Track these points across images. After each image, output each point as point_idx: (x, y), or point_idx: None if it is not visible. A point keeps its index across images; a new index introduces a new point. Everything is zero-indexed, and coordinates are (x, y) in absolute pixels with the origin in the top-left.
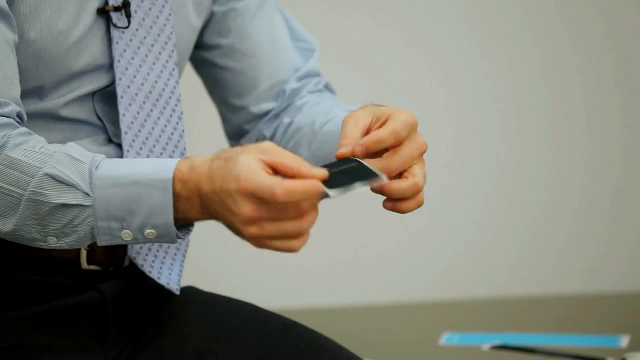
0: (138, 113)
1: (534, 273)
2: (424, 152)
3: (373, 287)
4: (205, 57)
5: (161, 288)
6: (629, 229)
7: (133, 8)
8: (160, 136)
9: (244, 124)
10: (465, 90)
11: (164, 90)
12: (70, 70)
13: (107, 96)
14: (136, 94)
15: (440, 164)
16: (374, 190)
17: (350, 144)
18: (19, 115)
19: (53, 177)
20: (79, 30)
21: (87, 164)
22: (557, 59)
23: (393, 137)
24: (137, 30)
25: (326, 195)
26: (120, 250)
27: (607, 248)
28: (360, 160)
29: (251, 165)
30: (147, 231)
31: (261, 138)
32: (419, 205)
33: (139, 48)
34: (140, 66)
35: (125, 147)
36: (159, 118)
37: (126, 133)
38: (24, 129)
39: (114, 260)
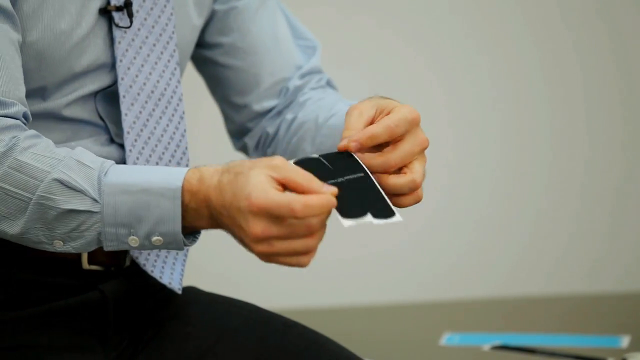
0: (140, 112)
1: (534, 273)
2: (424, 148)
3: (373, 287)
4: (206, 56)
5: (162, 288)
6: (629, 229)
7: (135, 8)
8: (162, 136)
9: (246, 121)
10: (465, 90)
11: (165, 89)
12: (72, 70)
13: (109, 96)
14: (138, 94)
15: (440, 164)
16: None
17: (348, 137)
18: (25, 116)
19: (61, 182)
20: (81, 30)
21: (96, 169)
22: (557, 59)
23: (387, 133)
24: (139, 29)
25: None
26: (121, 251)
27: (607, 248)
28: (356, 157)
29: (262, 183)
30: (154, 238)
31: (264, 135)
32: (416, 201)
33: (140, 47)
34: (142, 65)
35: (127, 146)
36: (160, 117)
37: (128, 133)
38: (32, 132)
39: (115, 260)
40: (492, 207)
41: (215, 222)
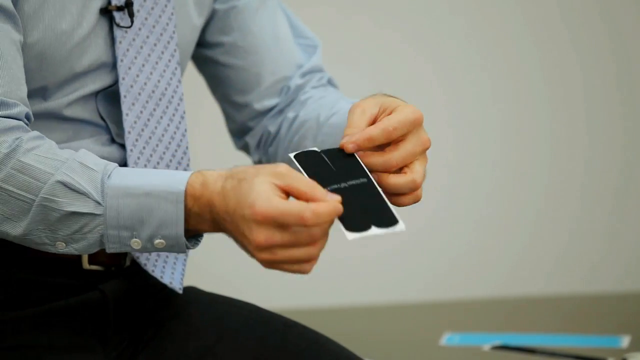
0: (141, 112)
1: (534, 273)
2: (426, 149)
3: (373, 287)
4: (207, 55)
5: (162, 288)
6: (629, 229)
7: (135, 7)
8: (162, 135)
9: (247, 120)
10: (465, 90)
11: (166, 89)
12: (73, 70)
13: (110, 96)
14: (139, 93)
15: (440, 164)
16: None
17: (347, 137)
18: (27, 116)
19: (65, 185)
20: (82, 30)
21: (99, 172)
22: (557, 59)
23: (384, 136)
24: (140, 29)
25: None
26: None
27: (607, 248)
28: (357, 156)
29: (266, 192)
30: (157, 241)
31: (266, 134)
32: (416, 201)
33: (141, 47)
34: (143, 65)
35: (128, 146)
36: (161, 117)
37: (129, 132)
38: (35, 133)
39: (115, 260)
40: (492, 207)
41: (218, 226)
